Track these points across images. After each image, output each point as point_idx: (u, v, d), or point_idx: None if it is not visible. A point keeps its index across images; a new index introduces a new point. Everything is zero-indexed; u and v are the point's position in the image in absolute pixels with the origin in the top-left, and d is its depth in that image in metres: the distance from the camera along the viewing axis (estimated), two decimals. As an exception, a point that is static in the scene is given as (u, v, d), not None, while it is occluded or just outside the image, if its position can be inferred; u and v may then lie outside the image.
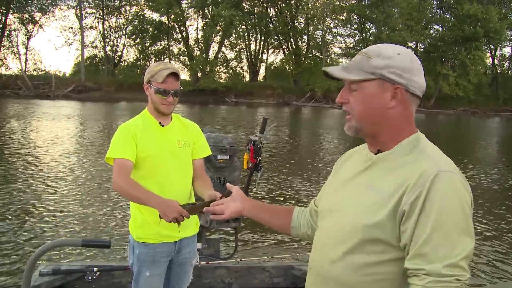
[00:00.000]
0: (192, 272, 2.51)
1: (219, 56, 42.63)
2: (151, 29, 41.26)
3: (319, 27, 42.57)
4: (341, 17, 42.56)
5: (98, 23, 41.49)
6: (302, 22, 44.90)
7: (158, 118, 2.31)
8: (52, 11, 39.26)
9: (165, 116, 2.32)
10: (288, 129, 19.56)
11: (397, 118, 1.17)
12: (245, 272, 3.51)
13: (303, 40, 45.77)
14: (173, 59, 41.44)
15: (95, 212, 5.96)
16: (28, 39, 39.03)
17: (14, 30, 38.60)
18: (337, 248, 1.18)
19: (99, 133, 14.55)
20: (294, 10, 43.86)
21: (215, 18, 36.99)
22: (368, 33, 44.51)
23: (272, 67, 51.48)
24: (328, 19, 41.40)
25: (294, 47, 44.96)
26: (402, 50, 1.17)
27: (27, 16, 38.19)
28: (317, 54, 45.83)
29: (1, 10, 36.66)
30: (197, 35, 41.88)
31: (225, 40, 42.36)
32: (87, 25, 40.85)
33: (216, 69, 41.20)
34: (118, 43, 43.03)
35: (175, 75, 2.23)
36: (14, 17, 37.94)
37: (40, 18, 39.06)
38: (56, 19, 43.87)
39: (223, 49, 43.37)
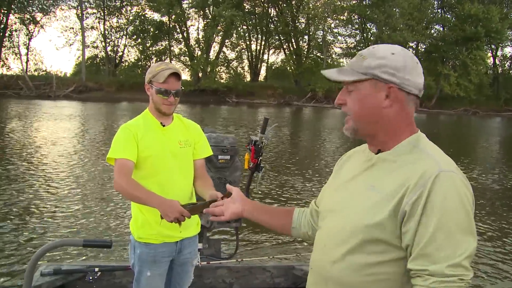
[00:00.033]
0: (193, 272, 2.51)
1: (220, 56, 42.68)
2: (152, 29, 41.32)
3: (320, 27, 42.60)
4: (342, 17, 42.59)
5: (99, 23, 41.66)
6: (303, 22, 44.92)
7: (159, 118, 2.31)
8: (53, 12, 39.44)
9: (166, 116, 2.32)
10: (289, 129, 19.56)
11: (394, 117, 1.16)
12: (246, 272, 3.51)
13: (304, 40, 45.82)
14: (174, 59, 41.47)
15: (96, 212, 5.96)
16: (29, 39, 39.20)
17: (16, 30, 38.78)
18: (338, 248, 1.18)
19: (100, 133, 14.57)
20: (295, 10, 43.86)
21: (216, 18, 37.04)
22: (369, 33, 44.51)
23: (273, 67, 51.51)
24: (329, 19, 41.43)
25: (295, 47, 44.97)
26: (396, 50, 1.17)
27: (28, 17, 38.30)
28: (318, 54, 45.86)
29: (3, 11, 36.74)
30: (198, 35, 42.01)
31: (226, 40, 42.40)
32: (88, 25, 41.03)
33: (217, 69, 41.23)
34: (119, 43, 43.22)
35: (176, 75, 2.24)
36: (16, 17, 38.08)
37: (41, 18, 39.23)
38: (57, 20, 44.26)
39: (224, 49, 43.51)
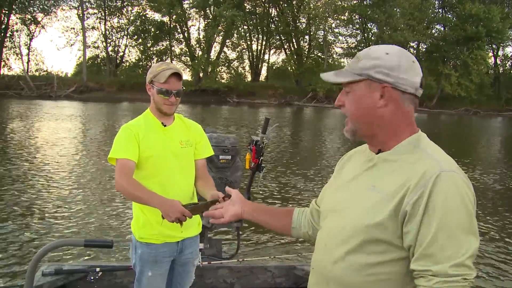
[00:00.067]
0: (195, 272, 2.51)
1: (221, 56, 42.71)
2: (153, 30, 41.34)
3: (320, 27, 42.59)
4: (342, 17, 42.57)
5: (100, 23, 41.68)
6: (303, 22, 44.92)
7: (161, 118, 2.31)
8: (54, 12, 39.47)
9: (168, 116, 2.32)
10: (290, 129, 19.55)
11: (390, 117, 1.16)
12: (247, 272, 3.51)
13: (305, 40, 45.81)
14: (175, 59, 41.48)
15: (98, 212, 5.97)
16: (30, 39, 39.29)
17: (17, 30, 38.85)
18: (339, 248, 1.18)
19: (101, 133, 14.58)
20: (295, 10, 43.85)
21: (217, 18, 37.05)
22: (370, 33, 44.49)
23: (274, 67, 51.50)
24: (330, 19, 41.42)
25: (296, 47, 44.95)
26: (391, 50, 1.17)
27: (29, 17, 38.35)
28: (319, 54, 45.87)
29: (4, 11, 36.78)
30: (199, 35, 42.02)
31: (227, 40, 42.41)
32: (89, 25, 41.06)
33: (218, 69, 41.25)
34: (120, 44, 43.24)
35: (177, 75, 2.24)
36: (17, 17, 38.14)
37: (42, 18, 39.28)
38: (58, 20, 44.28)
39: (225, 49, 43.53)
